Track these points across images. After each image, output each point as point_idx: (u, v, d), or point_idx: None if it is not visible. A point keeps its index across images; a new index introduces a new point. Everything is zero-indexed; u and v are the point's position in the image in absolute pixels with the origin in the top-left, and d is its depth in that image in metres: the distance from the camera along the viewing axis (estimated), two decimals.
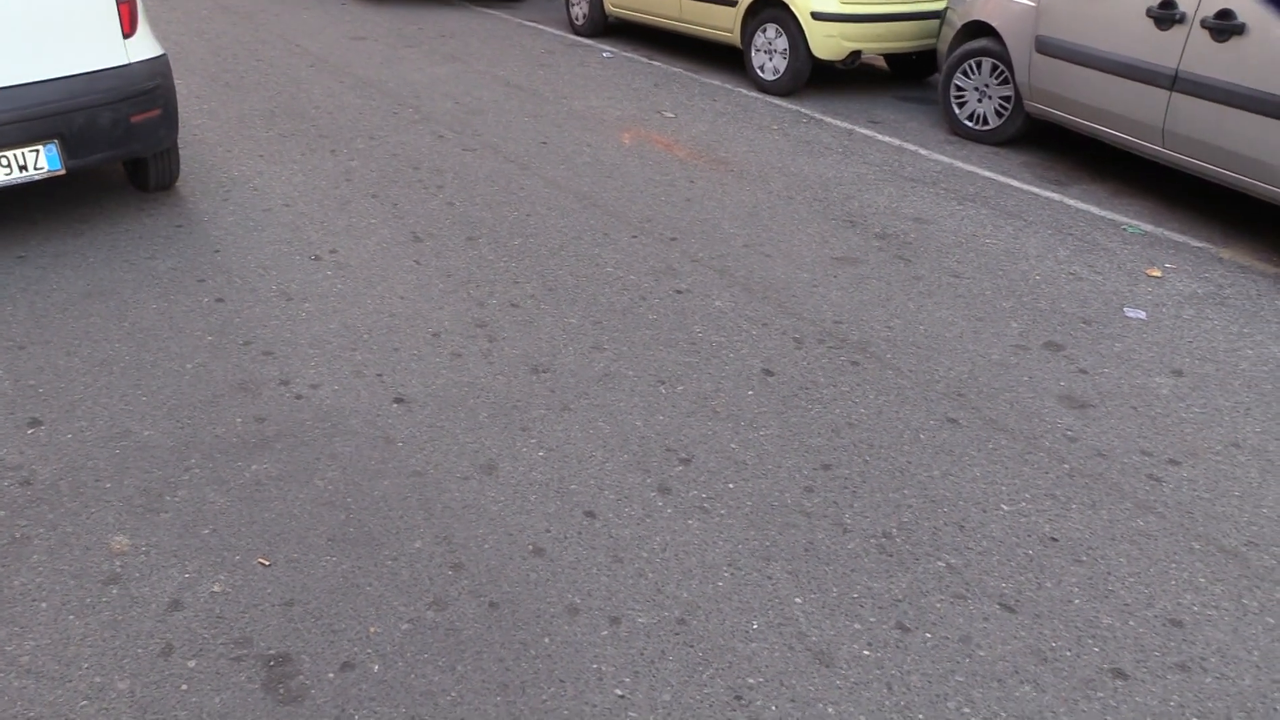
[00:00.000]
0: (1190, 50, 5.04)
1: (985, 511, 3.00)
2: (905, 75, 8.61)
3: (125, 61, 4.49)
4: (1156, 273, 4.74)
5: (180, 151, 5.13)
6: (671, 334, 3.95)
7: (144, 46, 4.60)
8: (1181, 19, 5.07)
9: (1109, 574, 2.77)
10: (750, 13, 7.81)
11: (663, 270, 4.49)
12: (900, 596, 2.65)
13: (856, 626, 2.54)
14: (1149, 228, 5.31)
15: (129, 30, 4.52)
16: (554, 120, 6.79)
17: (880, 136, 6.78)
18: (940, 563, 2.78)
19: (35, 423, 3.25)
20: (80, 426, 3.23)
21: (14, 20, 4.16)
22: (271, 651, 2.40)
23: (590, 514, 2.91)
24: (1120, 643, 2.52)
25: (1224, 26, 4.84)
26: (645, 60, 8.79)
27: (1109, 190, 5.87)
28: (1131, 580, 2.75)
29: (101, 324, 3.86)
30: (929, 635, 2.53)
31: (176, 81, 4.85)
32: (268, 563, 2.68)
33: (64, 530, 2.78)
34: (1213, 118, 4.95)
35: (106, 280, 4.21)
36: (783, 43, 7.59)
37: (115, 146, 4.53)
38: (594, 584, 2.65)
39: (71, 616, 2.48)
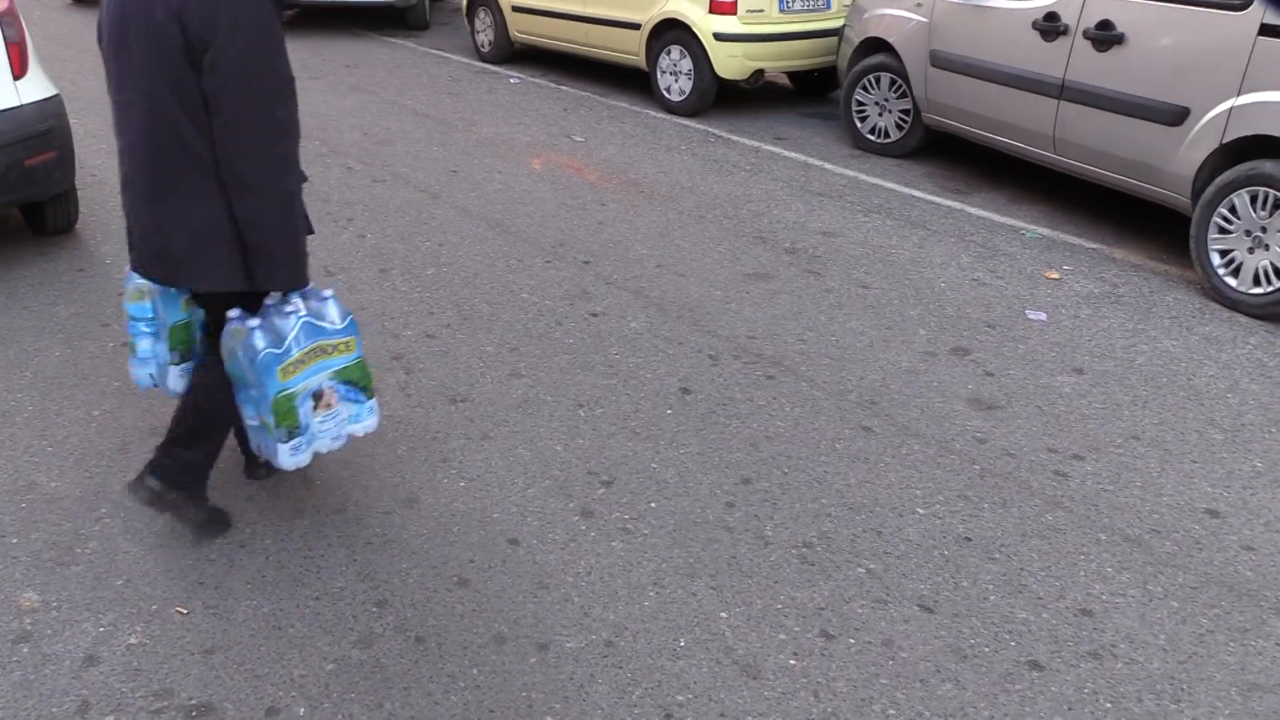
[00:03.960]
0: (1075, 60, 5.25)
1: (902, 516, 3.07)
2: (808, 92, 8.80)
3: (17, 104, 4.38)
4: (1055, 275, 4.92)
5: (79, 193, 4.99)
6: (588, 357, 3.98)
7: (36, 87, 4.49)
8: (1065, 30, 5.28)
9: (1022, 569, 2.86)
10: (654, 35, 7.91)
11: (577, 294, 4.52)
12: (823, 605, 2.70)
13: (782, 637, 2.59)
14: (1046, 232, 5.50)
15: (19, 71, 4.41)
16: (463, 148, 6.79)
17: (786, 153, 6.92)
18: (860, 569, 2.84)
19: None
20: None
21: None
22: (193, 701, 2.35)
23: (514, 541, 2.91)
24: (1035, 635, 2.61)
25: (1104, 36, 5.05)
26: (553, 85, 8.84)
27: (1007, 197, 6.07)
28: (1043, 574, 2.84)
29: (2, 373, 3.75)
30: (852, 641, 2.58)
31: (72, 121, 4.73)
32: (185, 611, 2.63)
33: None
34: (1099, 124, 5.16)
35: (5, 328, 4.09)
36: (687, 64, 7.70)
37: (9, 191, 4.41)
38: (520, 612, 2.65)
39: None
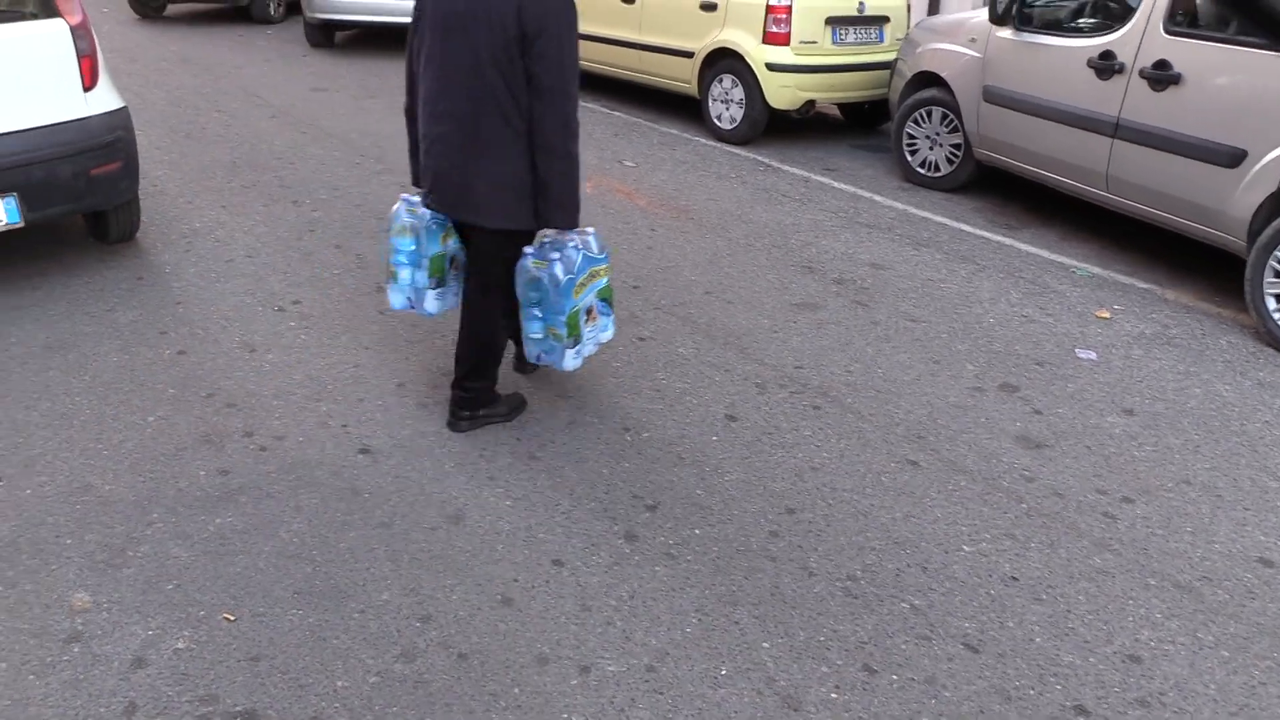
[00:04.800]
0: (1130, 99, 5.22)
1: (947, 552, 3.05)
2: (859, 124, 8.81)
3: (86, 114, 4.50)
4: (1105, 314, 4.87)
5: (141, 203, 5.11)
6: (636, 381, 3.99)
7: (105, 99, 4.61)
8: (1121, 69, 5.26)
9: (1069, 612, 2.82)
10: (707, 64, 7.97)
11: (625, 318, 4.54)
12: (866, 639, 2.69)
13: (824, 670, 2.57)
14: (1097, 270, 5.45)
15: (90, 83, 4.53)
16: None
17: (836, 184, 6.92)
18: (905, 604, 2.82)
19: None
20: (40, 482, 3.20)
21: None
22: (238, 708, 2.38)
23: (558, 562, 2.93)
24: (1081, 680, 2.57)
25: (1161, 76, 5.02)
26: (605, 110, 8.91)
27: (1058, 234, 6.03)
28: (1090, 618, 2.80)
29: (62, 377, 3.83)
30: (895, 677, 2.56)
31: (137, 133, 4.85)
32: (233, 618, 2.66)
33: (23, 588, 2.74)
34: (1153, 163, 5.12)
35: (67, 333, 4.18)
36: (739, 93, 7.74)
37: (75, 199, 4.52)
38: (563, 633, 2.66)
39: (32, 676, 2.45)
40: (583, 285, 3.37)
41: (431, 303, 3.57)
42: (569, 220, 3.25)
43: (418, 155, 3.42)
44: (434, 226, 3.43)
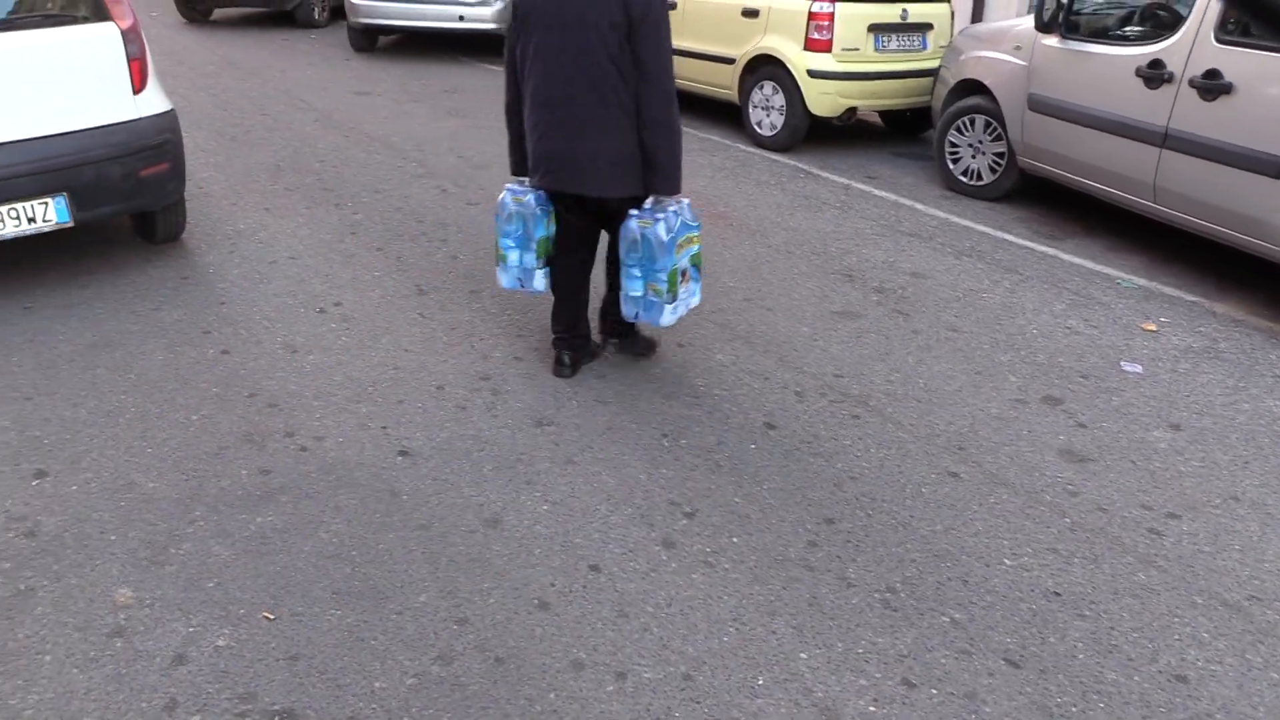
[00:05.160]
0: (1179, 108, 5.14)
1: (988, 566, 3.01)
2: (900, 131, 8.75)
3: (135, 116, 4.57)
4: (1152, 327, 4.79)
5: (187, 204, 5.18)
6: (674, 388, 3.98)
7: (154, 102, 4.68)
8: (1170, 78, 5.18)
9: (1112, 629, 2.77)
10: (748, 70, 7.95)
11: None
12: (905, 652, 2.66)
13: (862, 682, 2.54)
14: (1143, 282, 5.37)
15: (139, 86, 4.60)
16: None
17: (877, 191, 6.88)
18: (945, 618, 2.79)
19: (41, 474, 3.26)
20: (86, 478, 3.25)
21: (28, 75, 4.24)
22: (276, 707, 2.40)
23: (595, 568, 2.92)
24: (1126, 699, 2.53)
25: (1212, 86, 4.94)
26: None
27: (1103, 245, 5.95)
28: (1135, 635, 2.75)
29: (108, 375, 3.89)
30: (935, 691, 2.53)
31: (184, 135, 4.92)
32: (272, 616, 2.68)
33: (68, 582, 2.78)
34: (1202, 174, 5.03)
35: (113, 331, 4.24)
36: (780, 99, 7.72)
37: (124, 200, 4.59)
38: (599, 639, 2.65)
39: (75, 670, 2.48)
40: (680, 246, 3.69)
41: (540, 281, 3.95)
42: (673, 187, 3.64)
43: (520, 147, 3.81)
44: (540, 211, 3.80)
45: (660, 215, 3.61)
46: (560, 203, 3.80)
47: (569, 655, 2.59)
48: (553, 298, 4.04)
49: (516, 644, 2.62)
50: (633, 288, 3.76)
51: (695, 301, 3.93)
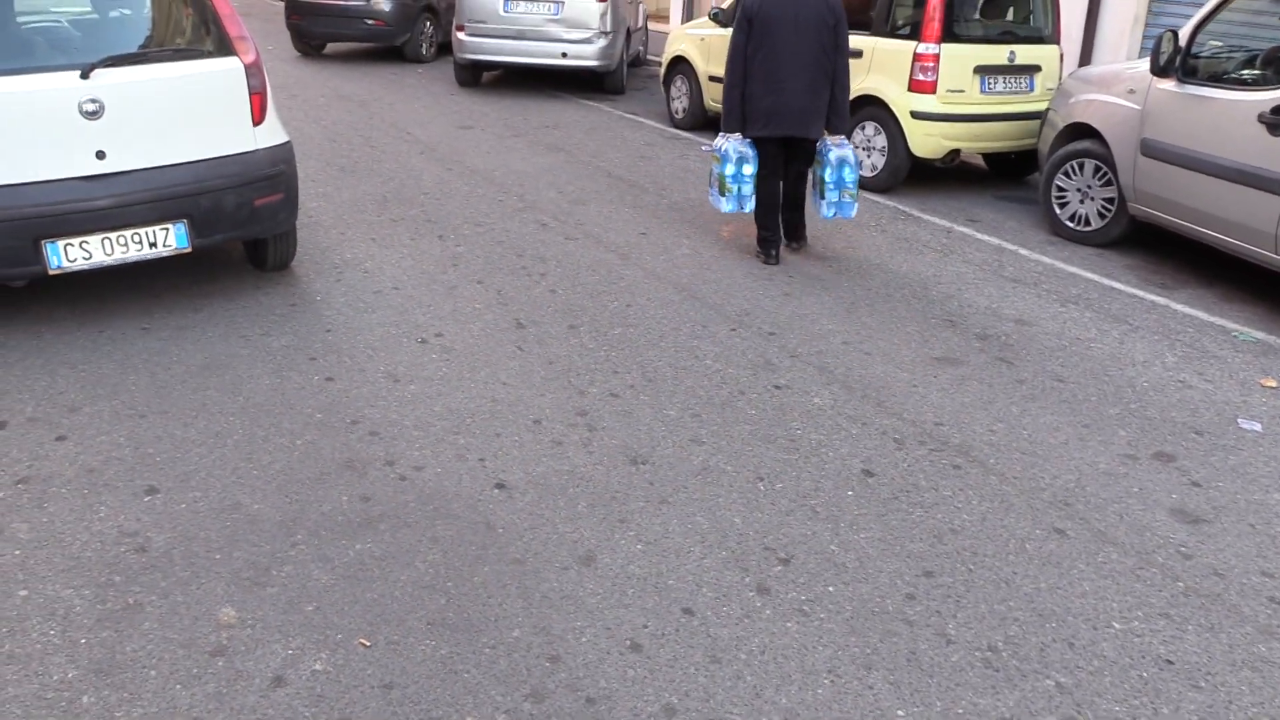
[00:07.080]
0: None
1: (1096, 629, 2.90)
2: (1003, 174, 8.59)
3: (253, 148, 4.73)
4: (1272, 383, 4.59)
5: (297, 233, 5.33)
6: (770, 430, 3.94)
7: (271, 134, 4.84)
8: None
9: (1230, 702, 2.64)
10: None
11: (761, 364, 4.51)
12: (1008, 714, 2.56)
13: None
14: (1261, 335, 5.16)
15: (259, 118, 4.76)
16: (654, 211, 6.93)
17: (979, 235, 6.75)
18: (1049, 681, 2.68)
19: (152, 490, 3.36)
20: (194, 497, 3.34)
21: (157, 106, 4.42)
22: None
23: (688, 611, 2.89)
24: None
25: None
26: None
27: (1217, 295, 5.73)
28: (1255, 710, 2.61)
29: (217, 397, 4.01)
30: None
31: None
32: (369, 644, 2.71)
33: (175, 599, 2.85)
34: None
35: (223, 355, 4.38)
36: (881, 140, 7.65)
37: (239, 227, 4.74)
38: (692, 684, 2.62)
39: (179, 686, 2.54)
40: (851, 167, 5.94)
41: (749, 203, 5.93)
42: (849, 128, 6.14)
43: (739, 112, 5.71)
44: (751, 153, 5.82)
45: (846, 145, 5.89)
46: (772, 144, 5.74)
47: (660, 699, 2.56)
48: (759, 211, 5.91)
49: (608, 685, 2.60)
50: (831, 195, 5.91)
51: (854, 211, 6.06)
